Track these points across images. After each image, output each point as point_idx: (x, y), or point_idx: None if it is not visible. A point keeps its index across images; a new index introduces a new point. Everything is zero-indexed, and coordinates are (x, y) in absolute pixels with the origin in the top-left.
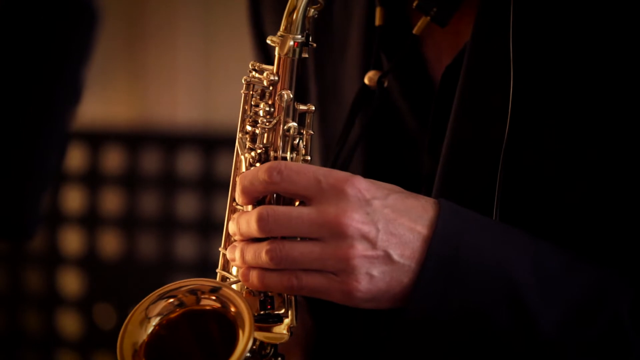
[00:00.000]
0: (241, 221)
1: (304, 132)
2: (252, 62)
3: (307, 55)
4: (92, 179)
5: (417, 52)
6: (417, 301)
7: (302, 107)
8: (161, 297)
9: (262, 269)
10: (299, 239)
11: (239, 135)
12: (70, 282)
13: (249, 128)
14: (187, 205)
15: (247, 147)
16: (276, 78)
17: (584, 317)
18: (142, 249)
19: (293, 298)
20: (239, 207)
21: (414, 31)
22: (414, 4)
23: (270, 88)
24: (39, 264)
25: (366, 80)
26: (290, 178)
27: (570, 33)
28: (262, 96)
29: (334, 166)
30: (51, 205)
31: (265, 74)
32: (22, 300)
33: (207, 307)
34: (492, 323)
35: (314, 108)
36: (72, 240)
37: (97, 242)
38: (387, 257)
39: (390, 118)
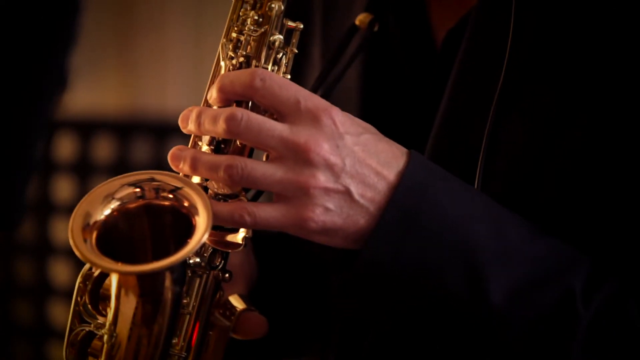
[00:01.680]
0: (205, 117)
1: (288, 50)
2: None
3: None
4: (82, 168)
5: (422, 12)
6: (372, 246)
7: (291, 23)
8: (129, 184)
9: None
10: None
11: (222, 40)
12: (61, 272)
13: (233, 35)
14: None
15: (228, 55)
16: None
17: (535, 288)
18: None
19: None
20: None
21: None
22: None
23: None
24: (29, 254)
25: (357, 21)
26: (272, 89)
27: (571, 8)
28: (253, 6)
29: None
30: (41, 195)
31: None
32: (13, 291)
33: (166, 203)
34: (444, 281)
35: (302, 26)
36: (62, 230)
37: None
38: (347, 194)
39: (388, 65)
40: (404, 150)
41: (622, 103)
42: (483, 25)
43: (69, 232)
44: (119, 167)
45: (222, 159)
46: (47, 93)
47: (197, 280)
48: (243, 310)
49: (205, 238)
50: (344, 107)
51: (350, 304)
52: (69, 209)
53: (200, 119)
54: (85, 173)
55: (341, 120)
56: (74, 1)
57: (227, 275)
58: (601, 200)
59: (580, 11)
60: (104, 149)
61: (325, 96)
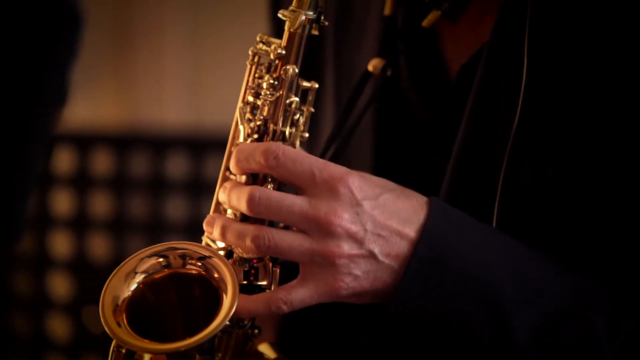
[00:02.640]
0: (232, 194)
1: (304, 109)
2: (260, 34)
3: (317, 33)
4: (81, 182)
5: (434, 48)
6: (398, 299)
7: (306, 83)
8: (152, 255)
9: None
10: (281, 225)
11: (239, 104)
12: (59, 285)
13: (250, 99)
14: (175, 207)
15: (246, 118)
16: (283, 52)
17: (559, 327)
18: (131, 252)
19: (277, 270)
20: (232, 176)
21: (424, 24)
22: None
23: (277, 62)
24: (27, 267)
25: (370, 67)
26: (286, 166)
27: (584, 43)
28: (267, 69)
29: (339, 152)
30: (40, 208)
31: (272, 47)
32: (11, 304)
33: (193, 272)
34: (469, 326)
35: (317, 85)
36: (61, 243)
37: (86, 245)
38: (372, 257)
39: (401, 109)
40: (423, 200)
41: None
42: (497, 60)
43: (101, 315)
44: (118, 180)
45: (250, 229)
46: (47, 108)
47: (226, 337)
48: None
49: (233, 310)
50: (358, 154)
51: (377, 351)
52: (67, 223)
53: (230, 196)
54: (84, 186)
55: (358, 186)
56: (75, 16)
57: (256, 331)
58: (620, 236)
59: (594, 44)
60: (102, 163)
61: (342, 147)
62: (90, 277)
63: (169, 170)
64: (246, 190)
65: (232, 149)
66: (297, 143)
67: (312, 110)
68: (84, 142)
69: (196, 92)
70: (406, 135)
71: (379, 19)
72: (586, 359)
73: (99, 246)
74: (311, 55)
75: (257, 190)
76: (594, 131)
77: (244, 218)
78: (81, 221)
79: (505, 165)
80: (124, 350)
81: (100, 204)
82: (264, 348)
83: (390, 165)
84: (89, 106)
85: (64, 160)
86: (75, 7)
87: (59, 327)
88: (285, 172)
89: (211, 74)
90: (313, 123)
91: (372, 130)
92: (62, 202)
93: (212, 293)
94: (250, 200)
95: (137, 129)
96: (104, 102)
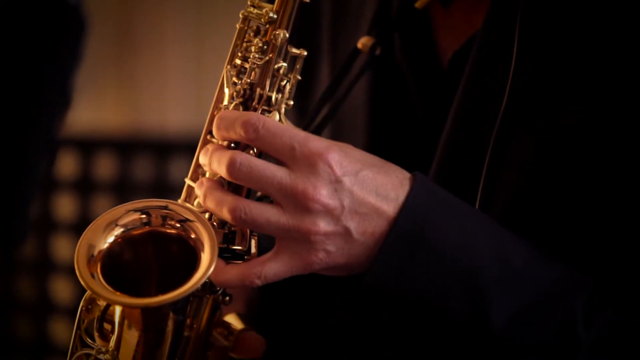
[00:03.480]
0: (213, 157)
1: (291, 77)
2: None
3: (308, 0)
4: (84, 186)
5: (428, 34)
6: (372, 274)
7: (295, 50)
8: (134, 210)
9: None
10: (258, 194)
11: (227, 67)
12: (62, 290)
13: (237, 62)
14: None
15: (232, 81)
16: (275, 16)
17: (537, 313)
18: None
19: (255, 238)
20: (213, 139)
21: (417, 5)
22: None
23: (267, 26)
24: (30, 271)
25: (359, 45)
26: (266, 139)
27: (575, 36)
28: (257, 33)
29: (326, 123)
30: (43, 212)
31: (264, 11)
32: (14, 308)
33: (172, 231)
34: (447, 305)
35: (305, 53)
36: (63, 248)
37: None
38: (347, 234)
39: (396, 88)
40: (405, 176)
41: (627, 124)
42: (488, 47)
43: (75, 264)
44: (120, 184)
45: (229, 199)
46: (51, 111)
47: (197, 302)
48: (242, 331)
49: (210, 272)
50: (351, 128)
51: (352, 326)
52: (70, 227)
53: (211, 159)
54: (87, 191)
55: (337, 161)
56: (79, 20)
57: (227, 298)
58: (604, 222)
59: (584, 32)
60: (105, 167)
61: (329, 116)
62: None
63: (172, 174)
64: (228, 154)
65: (215, 112)
66: (283, 109)
67: (299, 78)
68: (87, 146)
69: (198, 96)
70: (399, 112)
71: (376, 9)
72: (562, 346)
73: None
74: (305, 37)
75: (239, 155)
76: (582, 116)
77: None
78: (84, 225)
79: (491, 147)
80: (93, 309)
81: (103, 208)
82: (231, 319)
83: (383, 145)
84: (91, 110)
85: (66, 164)
86: (80, 11)
87: (61, 331)
88: (265, 145)
89: (213, 78)
90: (306, 92)
91: (366, 103)
92: (65, 206)
93: (190, 254)
94: (231, 165)
95: (140, 133)
96: (106, 106)
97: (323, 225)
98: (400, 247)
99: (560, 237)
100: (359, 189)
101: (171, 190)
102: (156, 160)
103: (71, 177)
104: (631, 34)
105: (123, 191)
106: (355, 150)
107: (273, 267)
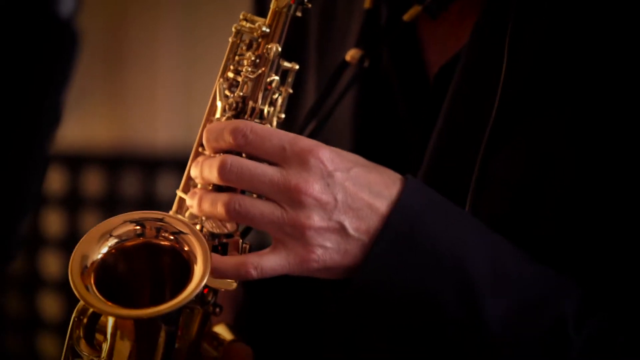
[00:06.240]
0: (204, 166)
1: (283, 90)
2: (243, 12)
3: (300, 14)
4: (73, 202)
5: (415, 48)
6: (365, 273)
7: (287, 64)
8: (130, 222)
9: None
10: (254, 196)
11: (219, 80)
12: (51, 306)
13: (230, 75)
14: None
15: (224, 94)
16: (267, 30)
17: (529, 313)
18: None
19: (247, 247)
20: (205, 152)
21: (405, 17)
22: None
23: (259, 40)
24: (19, 287)
25: (347, 57)
26: (255, 143)
27: (565, 48)
28: (249, 46)
29: (315, 134)
30: (32, 228)
31: (257, 25)
32: (3, 324)
33: (166, 243)
34: (439, 304)
35: (297, 67)
36: (52, 263)
37: None
38: (342, 230)
39: (383, 100)
40: (396, 177)
41: (615, 138)
42: (475, 61)
43: (69, 275)
44: (109, 200)
45: (222, 195)
46: (43, 128)
47: (188, 313)
48: (231, 341)
49: (203, 284)
50: (337, 140)
51: (344, 325)
52: (58, 243)
53: (202, 168)
54: (75, 206)
55: (329, 157)
56: (71, 36)
57: (217, 309)
58: (593, 230)
59: (572, 46)
60: (94, 183)
61: (317, 129)
62: None
63: (160, 190)
64: (218, 158)
65: (207, 124)
66: (274, 123)
67: (291, 91)
68: (76, 162)
69: (188, 112)
70: (385, 125)
71: (363, 22)
72: (553, 346)
73: None
74: (294, 52)
75: (229, 157)
76: (570, 130)
77: (217, 189)
78: (73, 241)
79: (479, 160)
80: (85, 320)
81: (92, 224)
82: (221, 329)
83: (370, 157)
84: (80, 126)
85: (55, 180)
86: (72, 26)
87: (50, 346)
88: (255, 149)
89: (203, 93)
90: (294, 106)
91: (352, 116)
92: (53, 222)
93: (183, 266)
94: (222, 167)
95: (129, 149)
96: (95, 122)
97: (317, 219)
98: (393, 245)
99: (549, 246)
100: (352, 185)
101: (159, 206)
102: (145, 176)
103: (60, 192)
104: (620, 47)
105: (112, 207)
106: (345, 151)
107: (270, 260)
